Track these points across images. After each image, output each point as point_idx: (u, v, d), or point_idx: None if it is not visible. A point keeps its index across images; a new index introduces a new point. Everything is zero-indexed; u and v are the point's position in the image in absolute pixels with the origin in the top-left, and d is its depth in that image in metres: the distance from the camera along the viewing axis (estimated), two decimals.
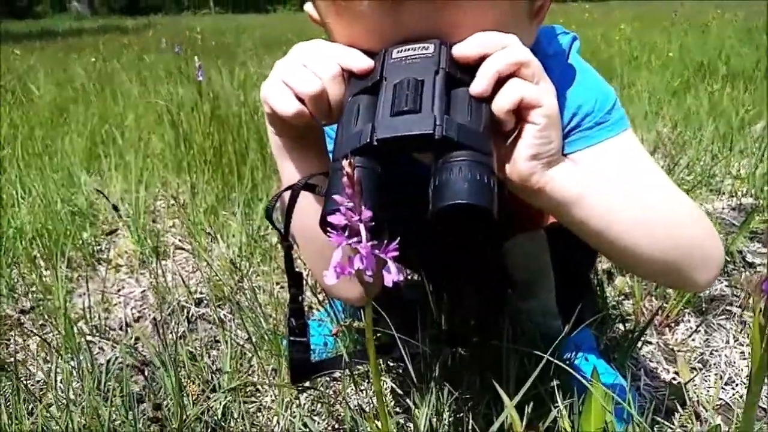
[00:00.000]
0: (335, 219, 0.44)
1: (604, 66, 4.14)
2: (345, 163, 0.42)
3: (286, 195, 0.61)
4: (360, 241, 0.43)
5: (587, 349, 0.95)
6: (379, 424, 0.86)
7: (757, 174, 1.88)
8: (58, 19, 19.03)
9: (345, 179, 0.42)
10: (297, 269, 0.67)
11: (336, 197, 0.44)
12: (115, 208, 1.32)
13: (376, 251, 0.44)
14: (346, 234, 0.44)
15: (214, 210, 1.70)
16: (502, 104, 0.51)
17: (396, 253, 0.44)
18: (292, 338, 0.69)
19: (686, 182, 1.89)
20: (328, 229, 0.44)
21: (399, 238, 0.44)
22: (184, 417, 0.81)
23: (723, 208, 1.78)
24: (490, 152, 0.50)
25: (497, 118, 0.52)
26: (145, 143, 2.35)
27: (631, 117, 2.88)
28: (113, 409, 0.81)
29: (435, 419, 0.78)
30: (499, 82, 0.52)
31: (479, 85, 0.52)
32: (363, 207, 0.43)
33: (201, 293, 1.31)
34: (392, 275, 0.44)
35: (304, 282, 0.71)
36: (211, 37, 7.28)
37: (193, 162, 2.02)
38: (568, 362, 0.85)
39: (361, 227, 0.43)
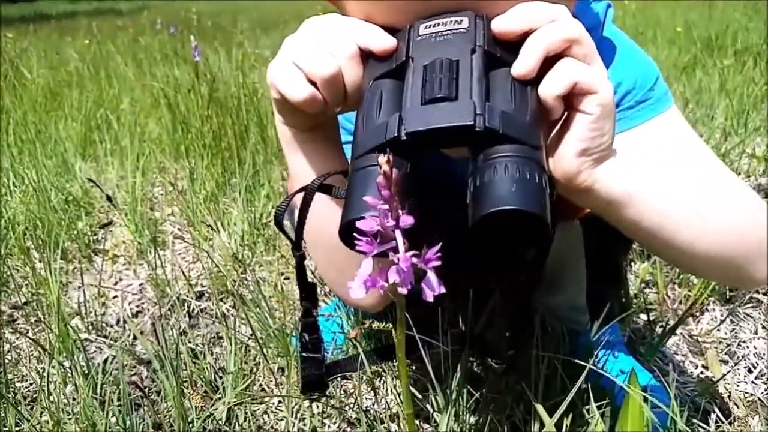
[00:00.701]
0: (366, 225, 0.37)
1: None
2: (381, 159, 0.35)
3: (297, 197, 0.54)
4: (397, 251, 0.37)
5: (616, 345, 0.89)
6: (394, 427, 0.81)
7: None
8: (51, 2, 18.78)
9: (381, 179, 0.36)
10: (310, 279, 0.60)
11: (368, 199, 0.37)
12: (109, 198, 1.25)
13: (415, 260, 0.37)
14: (378, 241, 0.37)
15: (214, 197, 1.64)
16: (551, 89, 0.43)
17: (438, 263, 0.37)
18: (304, 354, 0.63)
19: None
20: (355, 236, 0.38)
21: (441, 244, 0.38)
22: (186, 429, 0.75)
23: None
24: (539, 145, 0.42)
25: (543, 106, 0.44)
26: (142, 127, 2.28)
27: None
28: (110, 418, 0.76)
29: (455, 424, 0.73)
30: (546, 63, 0.44)
31: (524, 65, 0.44)
32: (401, 212, 0.37)
33: (202, 286, 1.25)
34: (433, 289, 0.38)
35: (318, 292, 0.64)
36: (207, 18, 7.15)
37: (191, 146, 1.95)
38: (599, 362, 0.80)
39: (398, 235, 0.37)
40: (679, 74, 3.06)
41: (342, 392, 0.92)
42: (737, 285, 1.04)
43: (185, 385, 0.90)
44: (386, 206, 0.36)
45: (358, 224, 0.37)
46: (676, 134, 0.62)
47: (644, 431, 0.64)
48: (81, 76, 3.23)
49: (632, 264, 1.27)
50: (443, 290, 0.38)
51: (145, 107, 2.55)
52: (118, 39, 5.27)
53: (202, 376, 0.92)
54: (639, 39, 4.04)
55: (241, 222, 1.45)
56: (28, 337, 1.02)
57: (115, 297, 1.26)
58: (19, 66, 3.41)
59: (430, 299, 0.38)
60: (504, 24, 0.45)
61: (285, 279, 1.26)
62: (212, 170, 1.77)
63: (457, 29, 0.45)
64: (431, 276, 0.38)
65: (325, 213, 0.54)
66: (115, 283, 1.32)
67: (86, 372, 0.87)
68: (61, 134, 2.19)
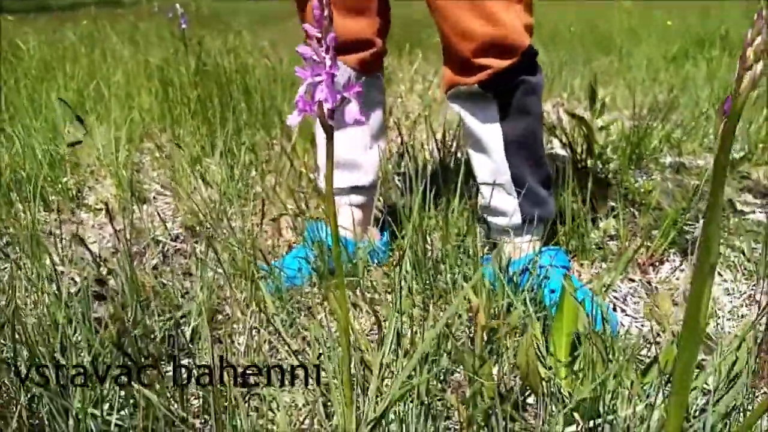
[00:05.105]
0: (303, 50, 0.42)
1: (603, 39, 4.09)
2: None
3: None
4: (323, 69, 0.42)
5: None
6: None
7: (751, 131, 1.85)
8: None
9: (316, 3, 0.40)
10: None
11: (307, 27, 0.42)
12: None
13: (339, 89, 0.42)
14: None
15: (198, 159, 1.67)
16: None
17: (359, 89, 0.42)
18: None
19: (675, 139, 1.86)
20: (296, 69, 0.43)
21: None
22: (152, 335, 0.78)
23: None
24: None
25: None
26: (132, 97, 2.31)
27: (628, 83, 2.85)
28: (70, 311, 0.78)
29: (404, 324, 0.76)
30: None
31: None
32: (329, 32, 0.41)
33: (178, 230, 1.29)
34: (353, 113, 0.42)
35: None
36: (207, 8, 7.19)
37: (180, 115, 1.98)
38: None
39: (326, 57, 0.41)
40: (667, 65, 3.10)
41: (304, 316, 0.95)
42: None
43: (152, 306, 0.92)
44: (319, 33, 0.40)
45: (297, 49, 0.42)
46: None
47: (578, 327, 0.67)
48: (77, 53, 3.25)
49: (599, 221, 1.30)
50: (363, 119, 0.42)
51: (136, 79, 2.58)
52: (117, 25, 5.29)
53: (168, 299, 0.95)
54: (633, 37, 4.09)
55: (220, 177, 1.48)
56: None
57: (94, 242, 1.29)
58: (17, 41, 3.43)
59: (351, 122, 0.42)
60: None
61: (259, 230, 1.29)
62: (198, 136, 1.80)
63: None
64: (354, 102, 0.42)
65: None
66: (98, 229, 1.35)
67: (50, 276, 0.90)
68: (53, 101, 2.22)
